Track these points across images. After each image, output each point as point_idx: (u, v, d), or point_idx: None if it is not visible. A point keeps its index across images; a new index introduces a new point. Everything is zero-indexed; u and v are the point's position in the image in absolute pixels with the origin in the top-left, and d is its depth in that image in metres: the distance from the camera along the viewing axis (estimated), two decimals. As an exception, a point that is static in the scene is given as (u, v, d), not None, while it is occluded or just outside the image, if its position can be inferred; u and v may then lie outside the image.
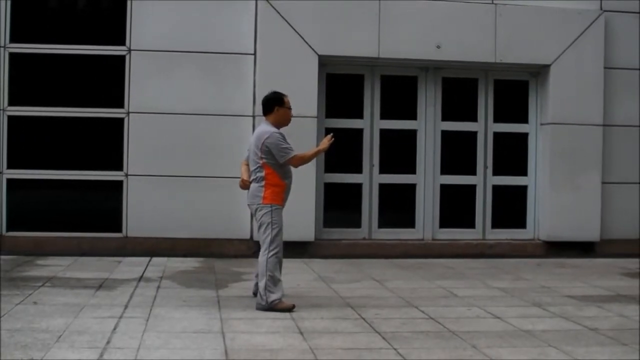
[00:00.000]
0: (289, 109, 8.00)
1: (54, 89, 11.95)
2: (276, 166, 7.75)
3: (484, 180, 12.85)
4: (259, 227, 7.82)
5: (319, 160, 11.87)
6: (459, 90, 12.86)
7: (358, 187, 12.51)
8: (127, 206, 11.78)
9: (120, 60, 11.79)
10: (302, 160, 7.91)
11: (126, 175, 11.78)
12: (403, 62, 12.40)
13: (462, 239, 12.67)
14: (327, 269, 10.53)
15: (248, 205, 7.99)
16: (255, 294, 8.03)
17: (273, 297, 7.65)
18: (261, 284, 7.68)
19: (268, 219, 7.71)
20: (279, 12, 11.77)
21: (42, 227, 11.73)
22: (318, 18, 11.94)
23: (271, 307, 7.62)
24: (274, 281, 7.67)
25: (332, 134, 8.10)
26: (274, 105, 7.90)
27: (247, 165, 8.04)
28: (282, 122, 7.94)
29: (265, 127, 7.82)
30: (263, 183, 7.74)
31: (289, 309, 7.64)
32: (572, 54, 12.53)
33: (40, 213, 11.91)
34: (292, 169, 7.96)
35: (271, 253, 7.68)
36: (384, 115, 12.52)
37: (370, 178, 12.47)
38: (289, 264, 10.97)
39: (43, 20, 11.95)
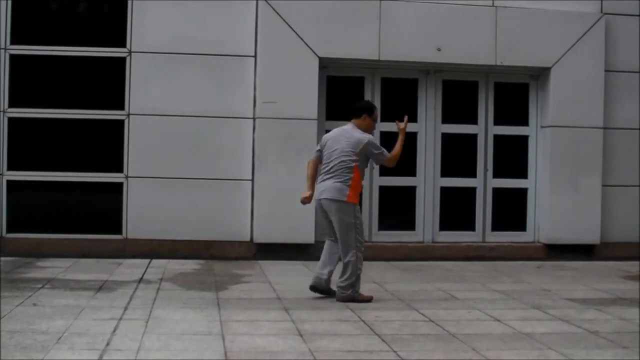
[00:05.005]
0: (374, 121, 8.59)
1: (54, 91, 11.96)
2: (362, 170, 8.35)
3: (484, 182, 12.85)
4: (341, 226, 8.18)
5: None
6: (459, 92, 12.87)
7: (358, 189, 12.50)
8: (127, 208, 11.78)
9: (120, 62, 11.79)
10: (395, 158, 8.54)
11: (126, 177, 11.78)
12: (403, 64, 12.40)
13: (462, 242, 12.67)
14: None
15: (320, 199, 8.28)
16: (314, 289, 8.47)
17: (357, 288, 8.27)
18: (350, 280, 8.22)
19: (351, 219, 8.17)
20: (279, 14, 11.77)
21: (42, 228, 11.73)
22: (319, 20, 11.94)
23: (354, 298, 8.20)
24: (359, 276, 8.30)
25: (405, 119, 8.93)
26: (363, 112, 8.49)
27: (315, 167, 8.48)
28: (366, 131, 8.44)
29: (359, 133, 8.32)
30: (349, 183, 8.15)
31: (369, 300, 8.28)
32: (573, 57, 12.53)
33: (41, 215, 11.91)
34: None
35: (359, 252, 8.26)
36: (384, 118, 12.45)
37: (371, 181, 12.46)
38: (289, 266, 11.03)
39: (44, 22, 11.96)
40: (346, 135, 8.33)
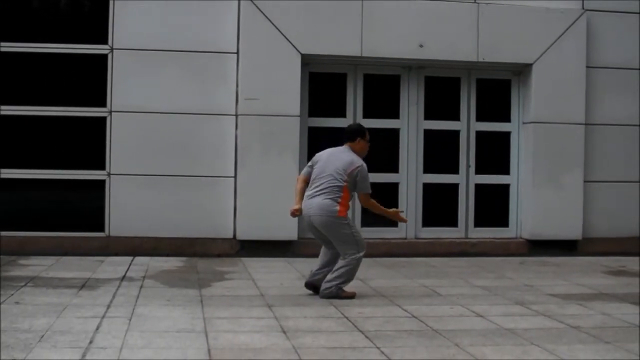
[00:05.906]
0: (368, 143, 8.71)
1: (35, 88, 11.89)
2: (351, 192, 8.45)
3: (466, 179, 12.88)
4: (339, 241, 8.35)
5: (302, 159, 11.81)
6: (441, 89, 12.88)
7: (341, 186, 12.48)
8: (109, 205, 11.73)
9: (102, 59, 11.75)
10: (372, 207, 8.64)
11: (109, 174, 11.74)
12: (386, 61, 12.40)
13: (445, 238, 12.69)
14: (310, 268, 10.50)
15: (310, 216, 8.39)
16: (309, 286, 8.59)
17: (343, 287, 8.35)
18: (341, 279, 8.32)
19: (348, 230, 8.34)
20: (262, 11, 11.75)
21: (24, 226, 11.65)
22: (301, 17, 11.93)
23: (337, 295, 8.24)
24: (350, 279, 8.43)
25: (405, 220, 9.62)
26: (357, 136, 8.64)
27: (305, 183, 8.57)
28: (360, 153, 8.60)
29: (354, 155, 8.47)
30: (339, 200, 8.31)
31: (352, 296, 8.32)
32: (555, 53, 12.57)
33: (22, 212, 11.83)
34: None
35: (360, 260, 8.41)
36: (366, 114, 12.51)
37: (354, 177, 12.45)
38: (272, 263, 11.03)
39: (25, 18, 11.87)
40: (340, 155, 8.45)
